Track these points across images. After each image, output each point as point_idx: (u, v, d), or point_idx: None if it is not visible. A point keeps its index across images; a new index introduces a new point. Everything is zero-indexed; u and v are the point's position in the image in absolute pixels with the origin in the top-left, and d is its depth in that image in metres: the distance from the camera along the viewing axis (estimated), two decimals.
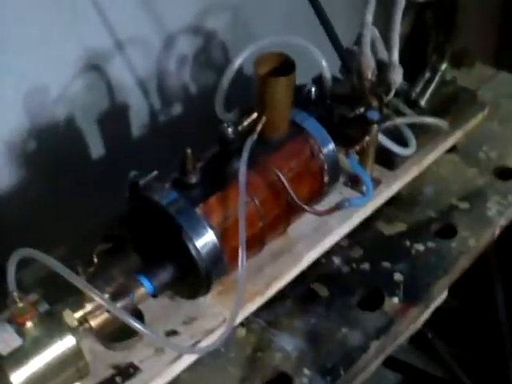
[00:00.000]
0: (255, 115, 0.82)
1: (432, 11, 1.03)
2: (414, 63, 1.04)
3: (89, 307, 0.70)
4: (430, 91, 1.03)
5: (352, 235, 0.93)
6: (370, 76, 0.96)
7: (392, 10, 0.94)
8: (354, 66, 0.97)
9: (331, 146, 0.87)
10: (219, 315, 0.79)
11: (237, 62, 0.88)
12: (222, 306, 0.80)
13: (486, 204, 0.99)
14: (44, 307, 0.68)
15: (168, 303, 0.81)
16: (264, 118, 0.81)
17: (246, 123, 0.81)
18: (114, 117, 1.15)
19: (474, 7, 1.11)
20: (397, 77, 0.96)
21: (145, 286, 0.74)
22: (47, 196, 1.07)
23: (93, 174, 1.15)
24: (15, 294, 0.65)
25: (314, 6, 0.90)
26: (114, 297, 0.72)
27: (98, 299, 0.64)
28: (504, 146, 1.10)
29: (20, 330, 0.65)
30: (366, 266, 0.90)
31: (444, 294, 0.94)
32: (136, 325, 0.65)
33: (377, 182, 0.96)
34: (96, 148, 1.15)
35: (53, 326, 0.67)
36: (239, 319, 0.80)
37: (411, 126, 0.99)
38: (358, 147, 0.91)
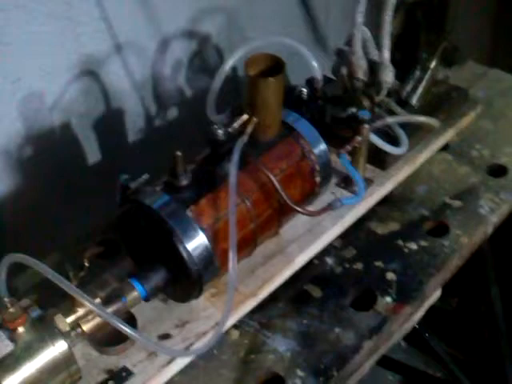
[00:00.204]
0: (246, 116, 0.82)
1: (422, 10, 1.03)
2: (405, 62, 1.04)
3: (81, 312, 0.70)
4: (420, 90, 1.03)
5: (345, 235, 0.93)
6: (361, 76, 0.97)
7: (382, 10, 0.94)
8: (346, 66, 0.98)
9: (322, 146, 0.87)
10: (212, 318, 0.79)
11: (228, 64, 0.89)
12: (215, 309, 0.80)
13: (479, 202, 0.99)
14: (36, 312, 0.68)
15: (161, 306, 0.82)
16: (255, 120, 0.81)
17: (236, 125, 0.82)
18: (109, 122, 1.15)
19: (467, 5, 1.11)
20: (388, 76, 0.96)
21: (137, 290, 0.74)
22: (43, 202, 1.08)
23: (89, 180, 1.15)
24: (6, 299, 0.65)
25: None
26: (107, 301, 0.73)
27: (88, 304, 0.64)
28: (497, 144, 1.10)
29: (11, 336, 0.66)
30: (358, 265, 0.90)
31: (438, 293, 0.95)
32: (126, 329, 0.65)
33: (369, 182, 0.97)
34: (92, 153, 1.15)
35: (44, 331, 0.67)
36: (232, 321, 0.81)
37: (403, 126, 0.99)
38: (349, 147, 0.91)
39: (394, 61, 0.97)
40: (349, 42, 0.98)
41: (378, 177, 0.98)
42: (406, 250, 0.92)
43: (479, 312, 1.59)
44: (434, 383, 1.64)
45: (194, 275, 0.74)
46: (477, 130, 1.13)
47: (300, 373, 0.77)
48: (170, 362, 0.75)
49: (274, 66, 0.81)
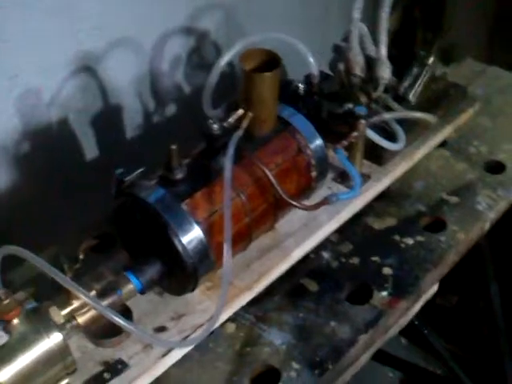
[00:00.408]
0: (241, 111, 0.82)
1: (420, 7, 1.04)
2: (402, 59, 1.04)
3: (76, 304, 0.71)
4: (417, 86, 1.03)
5: (341, 230, 0.94)
6: (358, 72, 0.97)
7: (379, 6, 0.94)
8: (343, 62, 0.98)
9: (318, 141, 0.88)
10: (208, 311, 0.80)
11: (224, 59, 0.89)
12: (211, 302, 0.81)
13: (476, 198, 0.99)
14: (31, 305, 0.68)
15: (156, 299, 0.82)
16: (250, 114, 0.82)
17: (232, 119, 0.82)
18: (107, 118, 1.15)
19: (464, 2, 1.11)
20: (385, 72, 0.97)
21: (133, 283, 0.75)
22: (40, 197, 1.08)
23: (86, 176, 1.15)
24: (1, 291, 0.65)
25: None
26: (102, 294, 0.73)
27: (82, 297, 0.64)
28: (494, 141, 1.10)
29: (6, 327, 0.66)
30: (355, 260, 0.91)
31: (434, 288, 0.95)
32: (120, 321, 0.65)
33: (366, 178, 0.97)
34: (90, 149, 1.16)
35: (39, 323, 0.67)
36: (227, 315, 0.81)
37: (401, 122, 0.99)
38: (346, 142, 0.91)
39: (391, 57, 0.97)
40: (346, 38, 0.98)
41: (375, 172, 0.98)
42: (402, 245, 0.93)
43: (478, 309, 1.59)
44: (434, 380, 1.64)
45: (189, 268, 0.75)
46: (475, 127, 1.13)
47: (295, 365, 0.78)
48: (165, 354, 0.75)
49: (270, 61, 0.82)
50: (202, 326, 0.78)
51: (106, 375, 0.74)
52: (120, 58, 1.11)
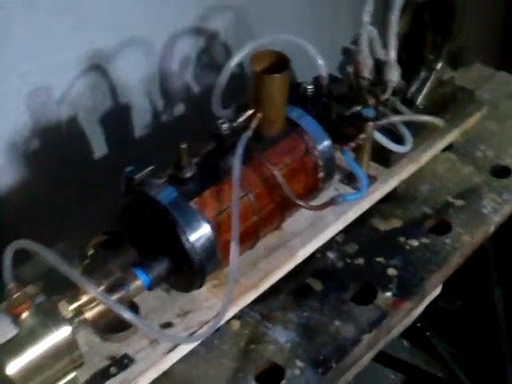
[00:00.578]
0: (250, 112, 0.83)
1: (429, 12, 1.04)
2: (411, 63, 1.05)
3: (84, 299, 0.72)
4: (425, 90, 1.04)
5: (347, 231, 0.94)
6: (367, 75, 0.98)
7: (389, 10, 0.95)
8: (352, 65, 0.99)
9: (326, 142, 0.88)
10: (214, 308, 0.80)
11: (234, 60, 0.89)
12: (217, 299, 0.82)
13: (482, 201, 1.00)
14: (40, 299, 0.69)
15: (163, 296, 0.83)
16: (259, 115, 0.82)
17: (241, 119, 0.83)
18: (116, 117, 1.16)
19: (474, 7, 1.12)
20: (393, 76, 0.97)
21: (140, 279, 0.76)
22: (49, 194, 1.09)
23: (95, 174, 1.16)
24: (12, 284, 0.66)
25: None
26: (110, 289, 0.74)
27: (92, 291, 0.65)
28: (501, 145, 1.11)
29: (16, 321, 0.67)
30: (360, 261, 0.91)
31: (438, 290, 0.95)
32: (128, 316, 0.66)
33: (372, 179, 0.97)
34: (98, 147, 1.17)
35: (48, 317, 0.68)
36: (233, 312, 0.82)
37: (408, 125, 1.00)
38: (353, 144, 0.92)
39: (400, 61, 0.98)
40: (356, 41, 0.99)
41: (381, 174, 0.99)
42: (407, 247, 0.93)
43: (481, 312, 1.60)
44: (436, 382, 1.65)
45: (197, 265, 0.76)
46: (482, 131, 1.13)
47: (299, 363, 0.79)
48: (171, 350, 0.76)
49: (279, 63, 0.82)
50: (208, 322, 0.79)
51: (113, 369, 0.75)
52: (130, 58, 1.12)
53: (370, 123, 0.93)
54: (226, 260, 0.77)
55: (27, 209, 1.07)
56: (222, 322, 0.78)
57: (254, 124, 0.82)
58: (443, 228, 0.96)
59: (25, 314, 0.67)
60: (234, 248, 0.72)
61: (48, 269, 0.79)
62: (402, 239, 0.95)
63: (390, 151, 0.98)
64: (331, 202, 0.84)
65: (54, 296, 0.70)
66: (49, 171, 1.09)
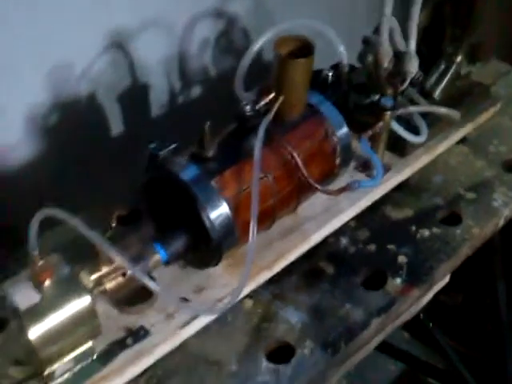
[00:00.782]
0: (273, 95, 0.84)
1: (450, 5, 1.05)
2: (430, 56, 1.06)
3: (104, 270, 0.74)
4: (444, 83, 1.05)
5: (360, 218, 0.96)
6: (386, 65, 0.99)
7: (411, 1, 0.96)
8: (372, 54, 1.00)
9: (345, 129, 0.90)
10: (228, 286, 0.82)
11: (258, 44, 0.90)
12: (232, 278, 0.83)
13: (493, 195, 1.01)
14: (63, 268, 0.71)
15: (179, 273, 0.85)
16: (281, 98, 0.84)
17: (263, 102, 0.84)
18: (134, 95, 1.18)
19: (495, 3, 1.12)
20: (413, 66, 0.98)
21: (159, 254, 0.77)
22: (66, 169, 1.11)
23: (112, 149, 1.18)
24: (36, 253, 0.68)
25: None
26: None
27: (118, 259, 0.67)
28: None
29: (39, 288, 0.69)
30: (371, 247, 0.93)
31: (446, 279, 0.97)
32: (151, 285, 0.68)
33: (387, 168, 0.99)
34: (116, 124, 1.18)
35: (70, 286, 0.70)
36: (247, 291, 0.83)
37: (424, 116, 1.01)
38: (370, 132, 0.94)
39: (419, 53, 0.99)
40: (376, 31, 1.00)
41: (396, 164, 1.01)
42: (418, 236, 0.95)
43: (484, 306, 1.61)
44: (436, 373, 1.67)
45: (215, 242, 0.77)
46: (496, 126, 1.14)
47: (309, 343, 0.80)
48: (185, 324, 0.78)
49: (303, 48, 0.83)
50: (222, 299, 0.81)
51: (129, 340, 0.77)
52: (151, 38, 1.13)
53: (388, 112, 0.94)
54: (243, 239, 0.79)
55: (45, 183, 1.08)
56: (240, 297, 0.79)
57: (275, 107, 0.83)
58: (454, 219, 0.98)
59: (47, 282, 0.68)
60: (252, 225, 0.74)
61: (68, 240, 0.82)
62: (413, 228, 0.96)
63: (406, 141, 1.00)
64: (347, 187, 0.86)
65: (76, 266, 0.72)
66: (66, 146, 1.10)
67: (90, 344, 0.73)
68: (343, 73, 0.97)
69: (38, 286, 0.69)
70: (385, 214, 0.98)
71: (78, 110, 1.10)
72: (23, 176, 1.07)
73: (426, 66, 1.03)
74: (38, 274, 0.68)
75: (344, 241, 0.94)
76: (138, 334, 0.77)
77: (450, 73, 1.05)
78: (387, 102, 0.94)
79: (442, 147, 1.06)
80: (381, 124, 0.94)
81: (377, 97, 0.96)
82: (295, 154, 0.82)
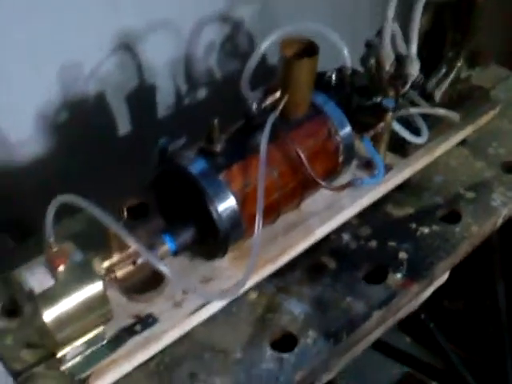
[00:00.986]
0: (278, 94, 0.87)
1: (450, 11, 1.08)
2: (431, 59, 1.09)
3: (116, 258, 0.76)
4: (444, 86, 1.08)
5: (362, 215, 0.99)
6: (388, 68, 1.02)
7: (413, 6, 0.99)
8: (374, 58, 1.02)
9: (348, 128, 0.93)
10: (234, 277, 0.85)
11: (264, 45, 0.93)
12: (237, 270, 0.86)
13: (491, 195, 1.04)
14: (76, 254, 0.73)
15: (186, 264, 0.87)
16: (286, 97, 0.86)
17: (269, 101, 0.87)
18: (141, 96, 1.20)
19: (495, 10, 1.15)
20: (414, 69, 1.01)
21: (167, 244, 0.80)
22: (74, 167, 1.13)
23: (119, 149, 1.20)
24: (52, 239, 0.70)
25: None
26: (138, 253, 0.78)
27: (133, 244, 0.69)
28: None
29: (53, 273, 0.71)
30: (373, 243, 0.95)
31: (445, 276, 0.99)
32: (164, 269, 0.70)
33: (389, 168, 1.01)
34: (122, 124, 1.21)
35: (83, 272, 0.73)
36: (252, 283, 0.86)
37: (425, 118, 1.04)
38: (372, 132, 0.96)
39: (420, 57, 1.02)
40: (378, 35, 1.03)
41: (397, 164, 1.03)
42: (418, 233, 0.97)
43: (484, 307, 1.63)
44: (437, 374, 1.68)
45: (222, 234, 0.80)
46: (495, 129, 1.17)
47: (312, 334, 0.83)
48: (193, 312, 0.81)
49: (308, 49, 0.86)
50: (228, 290, 0.83)
51: (138, 327, 0.79)
52: (158, 40, 1.16)
53: (389, 113, 0.97)
54: (248, 232, 0.81)
55: (53, 179, 1.10)
56: (245, 287, 0.82)
57: (281, 105, 0.86)
58: (454, 217, 1.00)
59: (61, 268, 0.71)
60: (258, 218, 0.76)
61: (80, 229, 0.85)
62: (413, 225, 0.99)
63: (407, 142, 1.03)
64: (350, 184, 0.89)
65: (89, 253, 0.75)
66: (74, 144, 1.13)
67: (100, 329, 0.76)
68: (346, 75, 0.99)
69: (52, 270, 0.71)
70: (386, 212, 1.01)
71: (86, 109, 1.12)
72: (32, 172, 1.10)
73: (426, 70, 1.06)
74: (53, 260, 0.71)
75: (346, 237, 0.96)
76: (146, 321, 0.80)
77: (451, 76, 1.08)
78: (389, 103, 0.97)
79: (442, 148, 1.09)
80: (382, 125, 0.97)
81: (379, 98, 0.99)
82: (300, 151, 0.85)
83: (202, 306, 0.82)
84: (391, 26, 1.01)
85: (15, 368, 0.75)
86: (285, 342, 0.82)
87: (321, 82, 0.96)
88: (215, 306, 0.83)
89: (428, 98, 1.08)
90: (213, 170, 0.80)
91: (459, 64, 1.09)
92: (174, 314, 0.81)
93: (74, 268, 0.72)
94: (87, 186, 1.10)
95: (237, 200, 0.81)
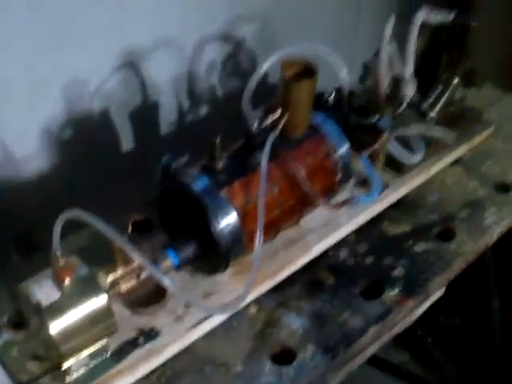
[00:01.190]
0: (278, 113, 0.90)
1: (446, 33, 1.11)
2: (427, 80, 1.12)
3: (120, 272, 0.79)
4: (440, 106, 1.10)
5: (359, 232, 1.01)
6: (385, 88, 1.05)
7: (409, 28, 1.02)
8: (372, 78, 1.05)
9: (345, 147, 0.95)
10: (235, 292, 0.87)
11: (265, 66, 0.95)
12: (238, 285, 0.88)
13: (484, 214, 1.06)
14: (82, 268, 0.76)
15: (188, 278, 0.90)
16: (286, 117, 0.89)
17: (269, 121, 0.89)
18: (144, 113, 1.23)
19: (489, 32, 1.18)
20: (410, 90, 1.04)
21: (170, 259, 0.82)
22: (78, 183, 1.15)
23: (122, 165, 1.23)
24: (59, 253, 0.73)
25: None
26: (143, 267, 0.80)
27: (140, 260, 0.72)
28: (505, 163, 1.17)
29: (59, 286, 0.74)
30: (369, 259, 0.98)
31: (440, 292, 1.02)
32: (168, 283, 0.73)
33: (385, 185, 1.04)
34: (126, 140, 1.23)
35: (88, 286, 0.75)
36: (252, 297, 0.88)
37: (421, 138, 1.07)
38: (369, 151, 0.99)
39: (416, 77, 1.05)
40: (376, 56, 1.05)
41: (393, 182, 1.06)
42: (414, 250, 1.00)
43: (480, 324, 1.65)
44: None
45: (223, 250, 0.82)
46: (488, 149, 1.20)
47: (310, 348, 0.85)
48: (194, 326, 0.83)
49: (307, 70, 0.89)
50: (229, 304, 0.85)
51: (141, 340, 0.81)
52: (162, 58, 1.19)
53: (386, 133, 1.00)
54: (249, 248, 0.84)
55: (57, 195, 1.12)
56: (246, 302, 0.84)
57: (280, 125, 0.89)
58: (448, 235, 1.02)
59: (67, 281, 0.73)
60: (258, 234, 0.79)
61: (86, 244, 0.87)
62: (409, 243, 1.01)
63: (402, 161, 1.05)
64: (347, 201, 0.91)
65: (94, 267, 0.77)
66: (79, 160, 1.15)
67: (104, 342, 0.78)
68: (345, 95, 1.02)
69: (58, 284, 0.74)
70: (383, 229, 1.03)
71: (90, 125, 1.15)
72: (37, 187, 1.12)
73: (422, 90, 1.09)
74: (60, 273, 0.73)
75: (343, 253, 0.99)
76: (149, 335, 0.82)
77: (446, 96, 1.11)
78: (385, 123, 1.00)
79: (437, 167, 1.11)
80: (379, 144, 1.00)
81: (376, 118, 1.02)
82: (299, 169, 0.88)
83: (203, 319, 0.84)
84: (388, 48, 1.04)
85: (21, 379, 0.78)
86: (284, 356, 0.84)
87: (320, 102, 0.99)
88: (216, 320, 0.85)
89: (424, 117, 1.11)
90: (215, 186, 0.83)
91: (454, 84, 1.12)
92: (175, 328, 0.83)
93: (79, 281, 0.74)
94: (91, 202, 1.13)
95: (238, 216, 0.83)
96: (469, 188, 1.12)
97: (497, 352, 1.54)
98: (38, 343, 0.78)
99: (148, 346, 0.81)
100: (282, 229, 0.91)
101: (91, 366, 0.78)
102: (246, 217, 0.84)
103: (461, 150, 1.15)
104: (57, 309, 0.72)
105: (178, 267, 0.84)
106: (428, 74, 1.11)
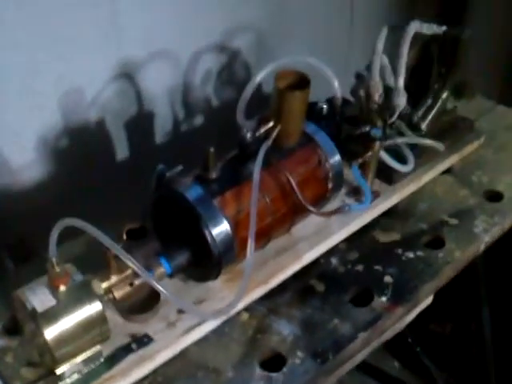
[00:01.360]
0: (271, 124, 0.91)
1: (437, 45, 1.13)
2: (418, 91, 1.14)
3: (114, 280, 0.80)
4: (430, 116, 1.12)
5: (350, 240, 1.03)
6: (376, 99, 1.06)
7: (401, 41, 1.04)
8: (364, 89, 1.07)
9: (337, 157, 0.97)
10: (226, 299, 0.88)
11: (259, 76, 0.97)
12: (230, 292, 0.89)
13: (474, 222, 1.08)
14: (77, 275, 0.77)
15: (180, 285, 0.91)
16: (279, 127, 0.91)
17: (262, 130, 0.91)
18: (140, 123, 1.24)
19: (479, 44, 1.20)
20: (401, 101, 1.06)
21: (164, 267, 0.84)
22: (75, 190, 1.16)
23: (118, 174, 1.24)
24: (55, 260, 0.74)
25: None
26: (136, 274, 0.82)
27: (133, 266, 0.74)
28: (495, 172, 1.19)
29: (54, 293, 0.75)
30: (360, 267, 0.99)
31: (429, 300, 1.03)
32: (162, 289, 0.75)
33: (376, 194, 1.06)
34: (121, 150, 1.25)
35: (83, 292, 0.77)
36: (243, 304, 0.90)
37: (412, 147, 1.09)
38: (360, 160, 1.01)
39: (407, 89, 1.06)
40: (368, 67, 1.07)
41: (384, 191, 1.08)
42: (403, 258, 1.01)
43: (470, 332, 1.66)
44: None
45: (215, 257, 0.84)
46: (479, 158, 1.22)
47: (300, 354, 0.86)
48: (186, 332, 0.85)
49: (300, 81, 0.91)
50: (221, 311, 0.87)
51: (134, 346, 0.83)
52: (158, 69, 1.21)
53: (377, 142, 1.02)
54: (241, 256, 0.85)
55: (54, 203, 1.13)
56: (237, 308, 0.85)
57: (273, 135, 0.91)
58: (437, 243, 1.04)
59: (62, 288, 0.75)
60: (250, 242, 0.81)
61: (81, 252, 0.89)
62: (399, 251, 1.03)
63: (394, 170, 1.07)
64: (338, 210, 0.93)
65: (89, 275, 0.79)
66: (74, 169, 1.16)
67: (98, 348, 0.80)
68: (337, 105, 1.04)
69: (54, 291, 0.75)
70: (373, 238, 1.05)
71: (86, 134, 1.17)
72: (33, 196, 1.14)
73: (414, 101, 1.11)
74: (55, 280, 0.75)
75: (334, 261, 1.00)
76: (142, 341, 0.83)
77: (437, 107, 1.13)
78: (377, 133, 1.02)
79: (427, 176, 1.13)
80: (370, 153, 1.02)
81: (367, 128, 1.03)
82: (291, 178, 0.90)
83: (195, 326, 0.85)
84: (380, 59, 1.06)
85: None
86: (274, 362, 0.86)
87: (312, 112, 1.01)
88: (208, 327, 0.87)
89: (415, 128, 1.12)
90: (208, 195, 0.85)
91: (445, 96, 1.14)
92: (168, 334, 0.84)
93: (74, 288, 0.76)
94: (86, 210, 1.15)
95: (230, 225, 0.85)
96: (459, 197, 1.14)
97: (487, 359, 1.55)
98: (32, 349, 0.79)
99: (141, 351, 0.82)
100: (273, 237, 0.93)
101: (85, 371, 0.79)
102: (238, 225, 0.86)
103: (452, 160, 1.17)
104: (52, 315, 0.74)
105: (171, 275, 0.85)
106: (419, 85, 1.13)
